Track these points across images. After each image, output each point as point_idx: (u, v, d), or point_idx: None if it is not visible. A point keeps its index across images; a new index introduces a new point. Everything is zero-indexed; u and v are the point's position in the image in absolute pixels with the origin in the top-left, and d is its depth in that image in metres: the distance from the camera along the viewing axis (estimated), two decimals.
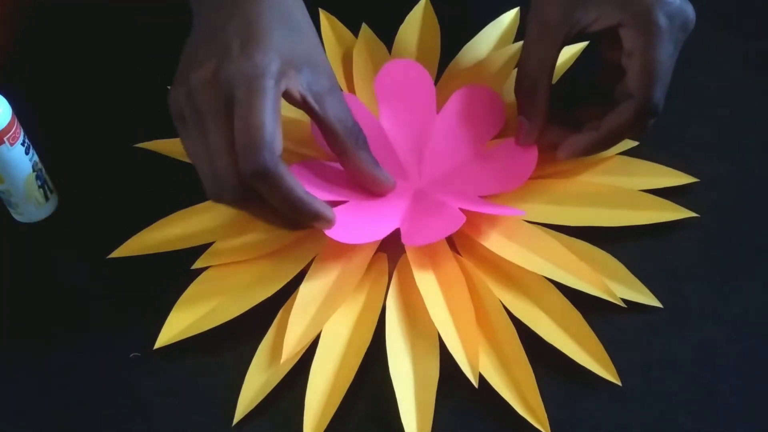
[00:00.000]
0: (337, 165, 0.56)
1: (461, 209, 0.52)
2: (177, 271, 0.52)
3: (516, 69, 0.61)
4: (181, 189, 0.56)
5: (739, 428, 0.47)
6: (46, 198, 0.56)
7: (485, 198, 0.55)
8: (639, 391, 0.48)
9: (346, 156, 0.51)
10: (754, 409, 0.47)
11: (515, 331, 0.49)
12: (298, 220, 0.48)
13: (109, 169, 0.59)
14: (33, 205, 0.55)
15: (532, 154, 0.55)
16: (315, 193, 0.54)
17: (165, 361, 0.49)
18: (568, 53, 0.63)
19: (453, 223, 0.51)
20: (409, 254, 0.52)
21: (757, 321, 0.51)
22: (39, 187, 0.55)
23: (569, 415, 0.47)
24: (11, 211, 0.56)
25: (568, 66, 0.62)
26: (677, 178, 0.56)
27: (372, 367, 0.48)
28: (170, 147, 0.58)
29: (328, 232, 0.51)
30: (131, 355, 0.50)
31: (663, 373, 0.49)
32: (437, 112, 0.58)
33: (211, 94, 0.45)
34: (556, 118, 0.55)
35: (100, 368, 0.50)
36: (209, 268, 0.52)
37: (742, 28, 0.66)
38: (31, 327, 0.52)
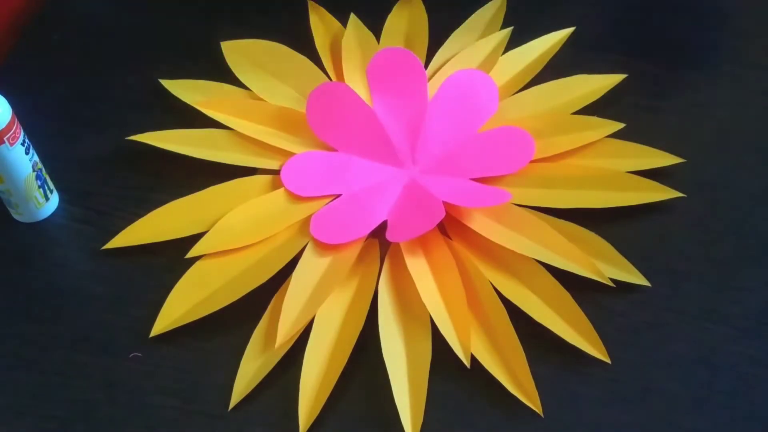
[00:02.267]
0: (331, 155, 0.56)
1: (446, 202, 0.53)
2: (172, 260, 0.53)
3: (503, 55, 0.62)
4: (174, 180, 0.56)
5: (739, 428, 0.47)
6: (46, 198, 0.56)
7: (479, 180, 0.55)
8: (636, 388, 0.48)
9: None
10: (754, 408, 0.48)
11: (506, 312, 0.49)
12: None
13: (109, 169, 0.59)
14: (33, 205, 0.55)
15: (529, 140, 0.56)
16: (309, 188, 0.55)
17: (160, 348, 0.50)
18: (553, 40, 0.63)
19: (433, 217, 0.52)
20: None
21: (758, 318, 0.51)
22: (39, 187, 0.54)
23: (559, 393, 0.48)
24: (11, 211, 0.56)
25: (553, 54, 0.63)
26: (664, 159, 0.56)
27: (365, 351, 0.49)
28: (162, 138, 0.58)
29: (315, 235, 0.52)
30: (131, 355, 0.50)
31: (663, 370, 0.49)
32: (429, 99, 0.59)
33: None
34: None
35: (99, 368, 0.50)
36: (203, 257, 0.53)
37: (741, 28, 0.66)
38: (30, 326, 0.52)
